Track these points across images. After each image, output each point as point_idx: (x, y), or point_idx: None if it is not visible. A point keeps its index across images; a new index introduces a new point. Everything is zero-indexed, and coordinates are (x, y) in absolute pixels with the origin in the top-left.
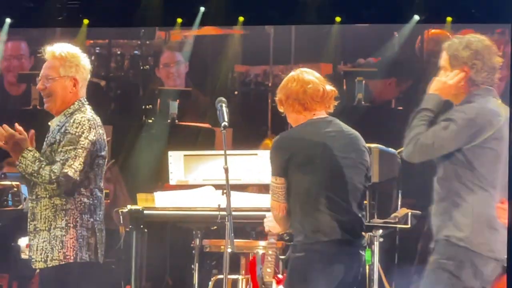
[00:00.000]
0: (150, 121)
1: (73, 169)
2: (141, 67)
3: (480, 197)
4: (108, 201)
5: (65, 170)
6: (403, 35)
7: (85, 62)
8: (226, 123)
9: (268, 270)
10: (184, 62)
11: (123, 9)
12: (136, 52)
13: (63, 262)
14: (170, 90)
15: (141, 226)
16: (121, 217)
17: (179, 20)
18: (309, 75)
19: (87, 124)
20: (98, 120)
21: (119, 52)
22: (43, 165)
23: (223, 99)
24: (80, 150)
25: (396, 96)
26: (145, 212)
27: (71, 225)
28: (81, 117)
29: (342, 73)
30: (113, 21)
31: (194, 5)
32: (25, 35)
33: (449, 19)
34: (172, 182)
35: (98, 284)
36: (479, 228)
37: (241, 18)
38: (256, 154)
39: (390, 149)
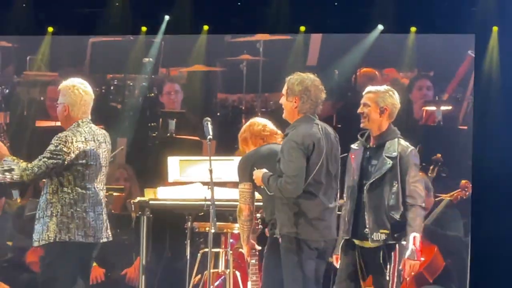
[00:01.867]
0: (154, 135)
1: (31, 170)
2: (148, 95)
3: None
4: (124, 194)
5: (26, 169)
6: (366, 44)
7: (77, 91)
8: (211, 137)
9: (254, 278)
10: (180, 91)
11: (87, 17)
12: (143, 83)
13: (47, 242)
14: (169, 111)
15: (148, 213)
16: (132, 206)
17: (144, 29)
18: (262, 120)
19: (63, 138)
20: (90, 136)
21: (131, 84)
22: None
23: (209, 118)
24: (46, 158)
25: (331, 115)
26: (150, 202)
27: (54, 214)
28: (62, 133)
29: None
30: (78, 29)
31: (159, 14)
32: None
33: (413, 29)
34: (170, 180)
35: (75, 259)
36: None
37: (205, 27)
38: (232, 160)
39: None
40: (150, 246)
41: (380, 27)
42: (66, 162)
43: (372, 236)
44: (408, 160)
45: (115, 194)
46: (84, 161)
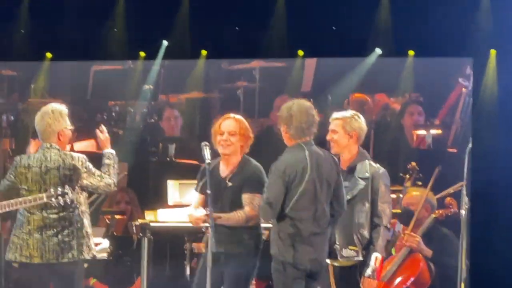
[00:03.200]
0: (155, 159)
1: None
2: (148, 121)
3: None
4: (125, 217)
5: None
6: (361, 69)
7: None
8: (209, 161)
9: None
10: (180, 117)
11: (86, 43)
12: (144, 110)
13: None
14: (169, 137)
15: (148, 234)
16: (134, 228)
17: (142, 54)
18: None
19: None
20: (37, 162)
21: (132, 110)
22: None
23: (207, 143)
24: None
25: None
26: (151, 224)
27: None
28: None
29: None
30: (76, 55)
31: (157, 39)
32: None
33: (411, 52)
34: (170, 203)
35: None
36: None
37: (204, 52)
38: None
39: None
40: (151, 266)
41: (378, 50)
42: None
43: (342, 253)
44: (379, 181)
45: (117, 217)
46: (25, 186)
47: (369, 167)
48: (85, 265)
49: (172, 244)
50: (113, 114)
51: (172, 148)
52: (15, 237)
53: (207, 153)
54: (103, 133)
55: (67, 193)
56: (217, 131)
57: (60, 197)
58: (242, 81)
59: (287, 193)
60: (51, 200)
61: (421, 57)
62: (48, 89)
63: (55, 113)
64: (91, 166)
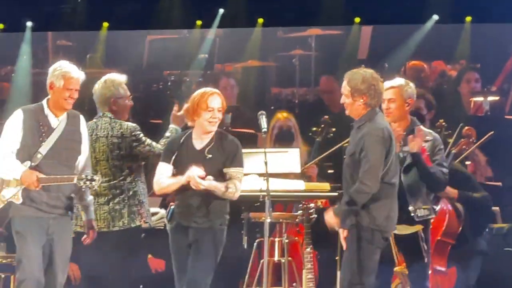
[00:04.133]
0: None
1: None
2: None
3: None
4: None
5: None
6: (421, 35)
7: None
8: (266, 129)
9: (309, 266)
10: (236, 86)
11: (142, 11)
12: (200, 79)
13: None
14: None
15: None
16: None
17: (199, 23)
18: None
19: None
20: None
21: (187, 79)
22: None
23: (263, 112)
24: None
25: None
26: None
27: None
28: None
29: None
30: (133, 23)
31: (213, 7)
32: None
33: (468, 19)
34: None
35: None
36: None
37: (260, 20)
38: (286, 151)
39: None
40: None
41: (435, 17)
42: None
43: (417, 214)
44: (439, 143)
45: None
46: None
47: (427, 131)
48: (142, 235)
49: (232, 214)
50: (169, 83)
51: (228, 117)
52: (73, 207)
53: (264, 122)
54: (177, 111)
55: (94, 180)
56: (204, 107)
57: (88, 182)
58: (297, 49)
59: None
60: (79, 183)
61: (478, 23)
62: (104, 60)
63: (107, 82)
64: (141, 135)
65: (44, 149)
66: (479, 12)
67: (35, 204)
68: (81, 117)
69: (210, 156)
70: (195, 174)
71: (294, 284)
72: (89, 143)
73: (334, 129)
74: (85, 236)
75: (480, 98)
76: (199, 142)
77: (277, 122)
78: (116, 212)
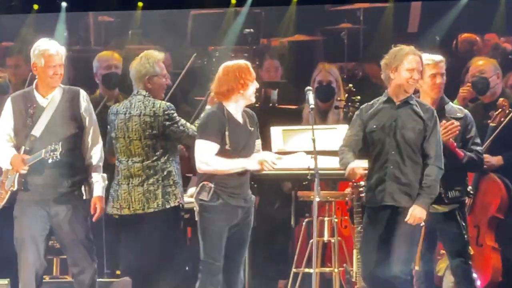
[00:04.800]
0: (257, 105)
1: None
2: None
3: None
4: None
5: None
6: (455, 11)
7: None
8: (313, 106)
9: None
10: (280, 67)
11: None
12: (245, 54)
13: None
14: (272, 82)
15: (251, 182)
16: None
17: (233, 1)
18: None
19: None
20: (122, 109)
21: (232, 55)
22: None
23: (310, 87)
24: None
25: None
26: (253, 172)
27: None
28: None
29: None
30: (168, 3)
31: None
32: None
33: None
34: (274, 150)
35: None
36: None
37: None
38: (335, 128)
39: None
40: (255, 215)
41: None
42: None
43: (448, 195)
44: (472, 120)
45: None
46: (113, 134)
47: (457, 108)
48: (185, 215)
49: (277, 193)
50: (213, 59)
51: (274, 93)
52: (111, 189)
53: (311, 98)
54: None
55: (56, 150)
56: (251, 80)
57: (52, 153)
58: (346, 23)
59: None
60: (46, 156)
61: None
62: (146, 35)
63: (143, 59)
64: (175, 114)
65: (37, 130)
66: None
67: (31, 187)
68: (81, 92)
69: (252, 129)
70: (271, 159)
71: (344, 265)
72: (94, 117)
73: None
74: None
75: None
76: (239, 116)
77: (317, 76)
78: (151, 193)
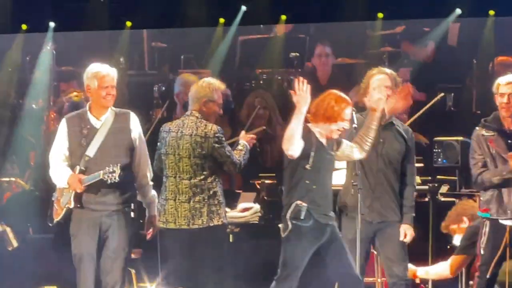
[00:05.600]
0: None
1: None
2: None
3: None
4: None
5: None
6: (442, 29)
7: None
8: (356, 125)
9: None
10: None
11: (164, 10)
12: (291, 77)
13: None
14: None
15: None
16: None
17: (222, 20)
18: None
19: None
20: (175, 127)
21: (279, 78)
22: None
23: (354, 108)
24: None
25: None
26: None
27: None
28: None
29: None
30: (155, 22)
31: (236, 5)
32: None
33: (491, 12)
34: None
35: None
36: None
37: (283, 17)
38: None
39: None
40: None
41: (458, 11)
42: (159, 152)
43: None
44: None
45: (266, 181)
46: (164, 150)
47: None
48: (236, 229)
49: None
50: (261, 82)
51: None
52: (158, 203)
53: (354, 118)
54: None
55: (114, 172)
56: (343, 108)
57: (110, 175)
58: (386, 46)
59: None
60: (104, 177)
61: (501, 16)
62: (196, 60)
63: (204, 83)
64: (223, 139)
65: (91, 151)
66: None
67: (86, 205)
68: (131, 114)
69: (333, 153)
70: None
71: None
72: (143, 138)
73: None
74: (149, 230)
75: None
76: (324, 140)
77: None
78: (196, 211)
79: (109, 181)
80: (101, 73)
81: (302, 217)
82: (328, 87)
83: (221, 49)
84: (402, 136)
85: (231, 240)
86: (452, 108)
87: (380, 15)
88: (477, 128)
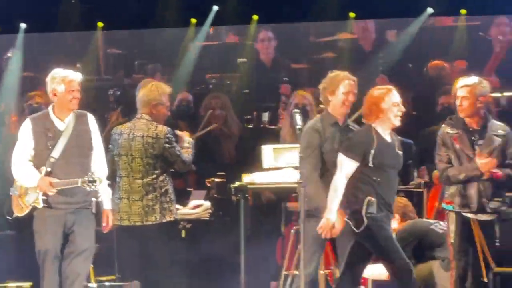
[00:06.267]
0: (250, 126)
1: None
2: (243, 91)
3: None
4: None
5: None
6: (415, 28)
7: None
8: (300, 126)
9: None
10: None
11: (137, 11)
12: (239, 82)
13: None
14: (263, 105)
15: (246, 195)
16: (233, 189)
17: (193, 21)
18: None
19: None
20: (121, 129)
21: (228, 82)
22: None
23: (297, 110)
24: None
25: None
26: (248, 186)
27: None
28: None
29: None
30: (128, 23)
31: (208, 5)
32: None
33: (463, 11)
34: (265, 166)
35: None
36: None
37: (255, 17)
38: None
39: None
40: (249, 221)
41: (430, 10)
42: (111, 153)
43: (490, 205)
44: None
45: (216, 180)
46: (116, 151)
47: (499, 126)
48: (188, 225)
49: (268, 204)
50: (211, 86)
51: (265, 115)
52: (111, 201)
53: (298, 119)
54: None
55: (95, 182)
56: (393, 104)
57: (90, 183)
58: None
59: None
60: (83, 186)
61: (472, 15)
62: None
63: (153, 87)
64: (173, 139)
65: (56, 152)
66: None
67: (52, 205)
68: (89, 115)
69: (401, 152)
70: None
71: (331, 267)
72: (101, 138)
73: None
74: (106, 224)
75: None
76: (387, 137)
77: (294, 99)
78: (149, 208)
79: (88, 189)
80: (69, 77)
81: (374, 212)
82: (273, 71)
83: (187, 53)
84: None
85: (183, 236)
86: None
87: (352, 14)
88: (442, 126)
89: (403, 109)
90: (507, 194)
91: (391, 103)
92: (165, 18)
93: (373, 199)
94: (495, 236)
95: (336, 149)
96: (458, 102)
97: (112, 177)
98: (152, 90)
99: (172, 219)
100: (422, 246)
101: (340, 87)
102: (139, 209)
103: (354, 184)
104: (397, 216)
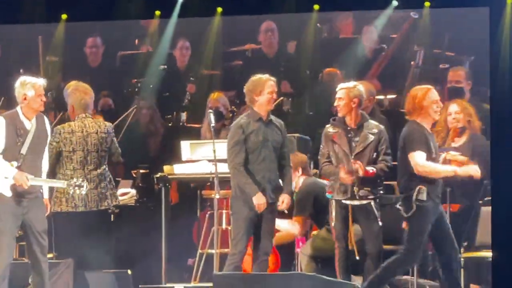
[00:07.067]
0: (170, 124)
1: None
2: (163, 94)
3: None
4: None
5: None
6: (381, 21)
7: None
8: (213, 125)
9: None
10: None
11: (101, 2)
12: (159, 86)
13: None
14: (182, 106)
15: (167, 184)
16: (155, 179)
17: (158, 13)
18: None
19: (55, 131)
20: (70, 128)
21: (151, 86)
22: None
23: (211, 110)
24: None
25: None
26: (168, 176)
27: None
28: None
29: None
30: (92, 15)
31: None
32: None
33: (427, 3)
34: (183, 158)
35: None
36: None
37: (219, 9)
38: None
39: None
40: (169, 208)
41: (395, 2)
42: (58, 150)
43: (359, 193)
44: (385, 135)
45: (141, 171)
46: (70, 148)
47: (374, 125)
48: (116, 210)
49: (186, 192)
50: (136, 89)
51: (183, 115)
52: (57, 192)
53: (212, 118)
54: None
55: (82, 186)
56: (433, 101)
57: (77, 188)
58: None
59: None
60: (69, 189)
61: (436, 8)
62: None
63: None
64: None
65: (24, 149)
66: None
67: (16, 193)
68: (45, 117)
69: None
70: None
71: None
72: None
73: None
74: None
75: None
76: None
77: (209, 102)
78: (103, 195)
79: (72, 191)
80: (38, 83)
81: (424, 199)
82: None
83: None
84: (280, 129)
85: (112, 220)
86: (289, 110)
87: (316, 6)
88: (326, 126)
89: (441, 105)
90: (386, 182)
91: (431, 101)
92: (128, 9)
93: (423, 187)
94: (371, 217)
95: (260, 140)
96: (335, 103)
97: (52, 171)
98: (87, 93)
99: (116, 203)
100: (320, 210)
101: (265, 88)
102: (95, 196)
103: (409, 174)
104: (299, 169)
